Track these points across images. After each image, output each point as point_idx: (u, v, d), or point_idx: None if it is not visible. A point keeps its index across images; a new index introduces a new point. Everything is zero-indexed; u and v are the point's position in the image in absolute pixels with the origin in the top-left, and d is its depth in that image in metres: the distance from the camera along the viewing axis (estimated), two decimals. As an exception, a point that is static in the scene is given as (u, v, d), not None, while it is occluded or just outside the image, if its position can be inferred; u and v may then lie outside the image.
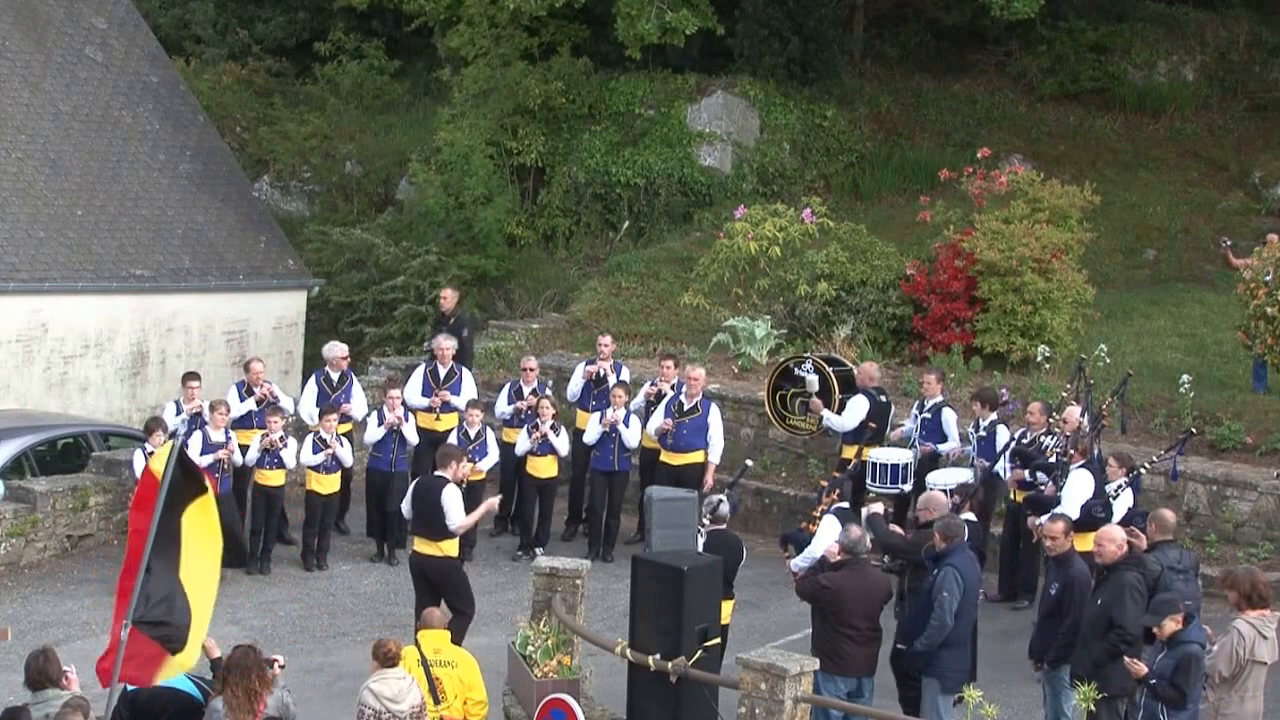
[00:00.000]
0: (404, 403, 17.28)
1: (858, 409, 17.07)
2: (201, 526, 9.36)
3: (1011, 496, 15.94)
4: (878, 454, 16.69)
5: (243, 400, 17.34)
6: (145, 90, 24.61)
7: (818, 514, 13.35)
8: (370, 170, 27.76)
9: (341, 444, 16.87)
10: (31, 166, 22.14)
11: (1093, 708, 10.74)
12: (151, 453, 8.96)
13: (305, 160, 27.77)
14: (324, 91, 29.21)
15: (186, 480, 9.30)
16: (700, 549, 12.53)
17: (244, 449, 16.71)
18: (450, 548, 13.85)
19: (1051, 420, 15.54)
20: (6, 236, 20.98)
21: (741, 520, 17.10)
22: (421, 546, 13.79)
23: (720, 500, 13.21)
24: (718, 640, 11.40)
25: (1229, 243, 22.96)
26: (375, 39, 30.13)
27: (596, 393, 17.95)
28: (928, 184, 24.78)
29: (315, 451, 16.69)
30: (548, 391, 17.85)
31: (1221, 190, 26.81)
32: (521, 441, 17.30)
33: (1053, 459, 15.09)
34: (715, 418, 17.28)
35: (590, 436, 17.40)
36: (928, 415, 16.90)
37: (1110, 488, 14.11)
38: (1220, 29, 30.13)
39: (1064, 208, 20.41)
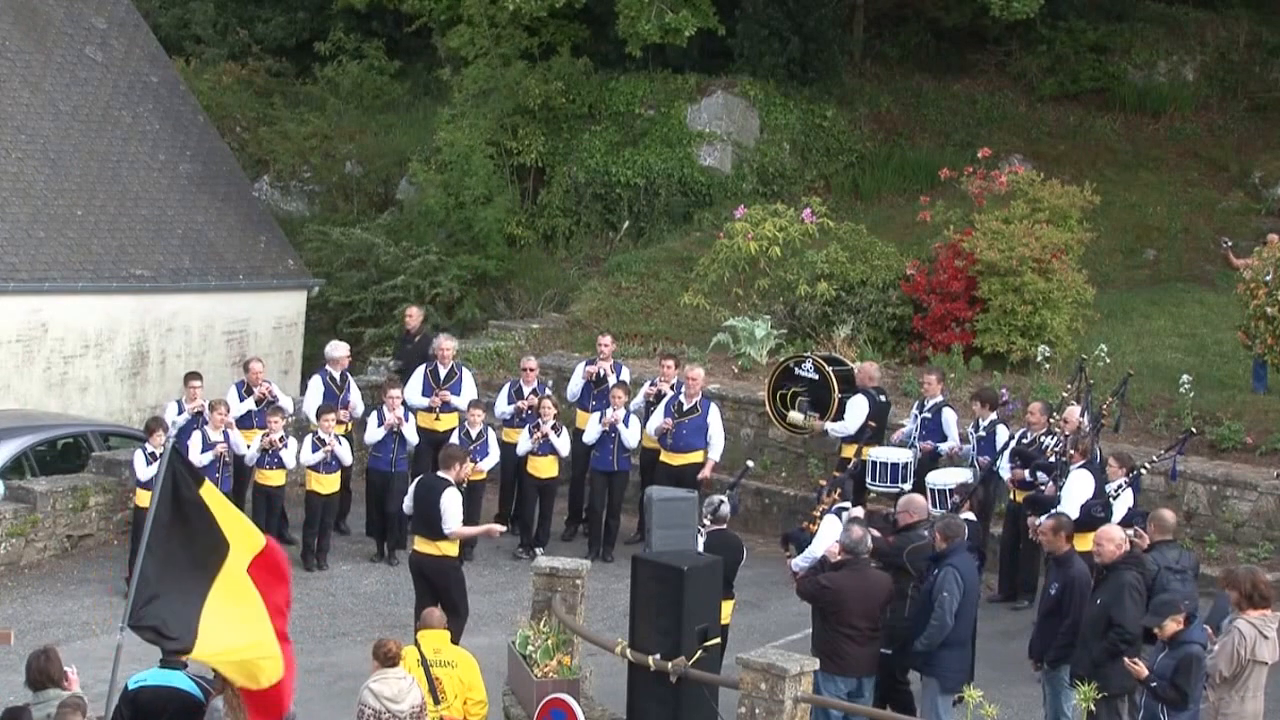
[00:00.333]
0: (404, 403, 17.29)
1: (858, 409, 17.06)
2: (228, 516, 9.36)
3: (1011, 496, 15.94)
4: (878, 453, 16.69)
5: (242, 400, 17.36)
6: (145, 90, 24.61)
7: (818, 513, 13.35)
8: (370, 170, 27.76)
9: (340, 443, 16.87)
10: (31, 166, 22.14)
11: (1092, 707, 10.74)
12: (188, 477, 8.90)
13: (305, 160, 27.76)
14: (324, 91, 29.21)
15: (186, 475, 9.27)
16: (700, 549, 12.53)
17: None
18: (450, 548, 13.84)
19: (1052, 420, 15.55)
20: (6, 236, 20.98)
21: (741, 520, 17.09)
22: (421, 546, 13.79)
23: (721, 501, 13.21)
24: (718, 640, 11.41)
25: (1230, 243, 22.95)
26: (375, 39, 30.13)
27: (596, 393, 17.95)
28: (928, 184, 24.78)
29: (314, 450, 16.69)
30: (548, 392, 17.85)
31: (1221, 190, 26.81)
32: (522, 442, 17.30)
33: (1052, 459, 15.09)
34: (715, 417, 17.28)
35: (590, 436, 17.40)
36: (928, 415, 16.90)
37: (1110, 488, 14.11)
38: (1220, 29, 30.13)
39: (1064, 208, 20.41)
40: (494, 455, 17.13)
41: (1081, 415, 15.57)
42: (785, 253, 20.70)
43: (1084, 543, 12.65)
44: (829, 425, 17.45)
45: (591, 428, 17.39)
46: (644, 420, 17.58)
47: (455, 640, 12.43)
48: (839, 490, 13.84)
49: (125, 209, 22.77)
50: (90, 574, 16.53)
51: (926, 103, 28.77)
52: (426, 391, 17.79)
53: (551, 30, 26.86)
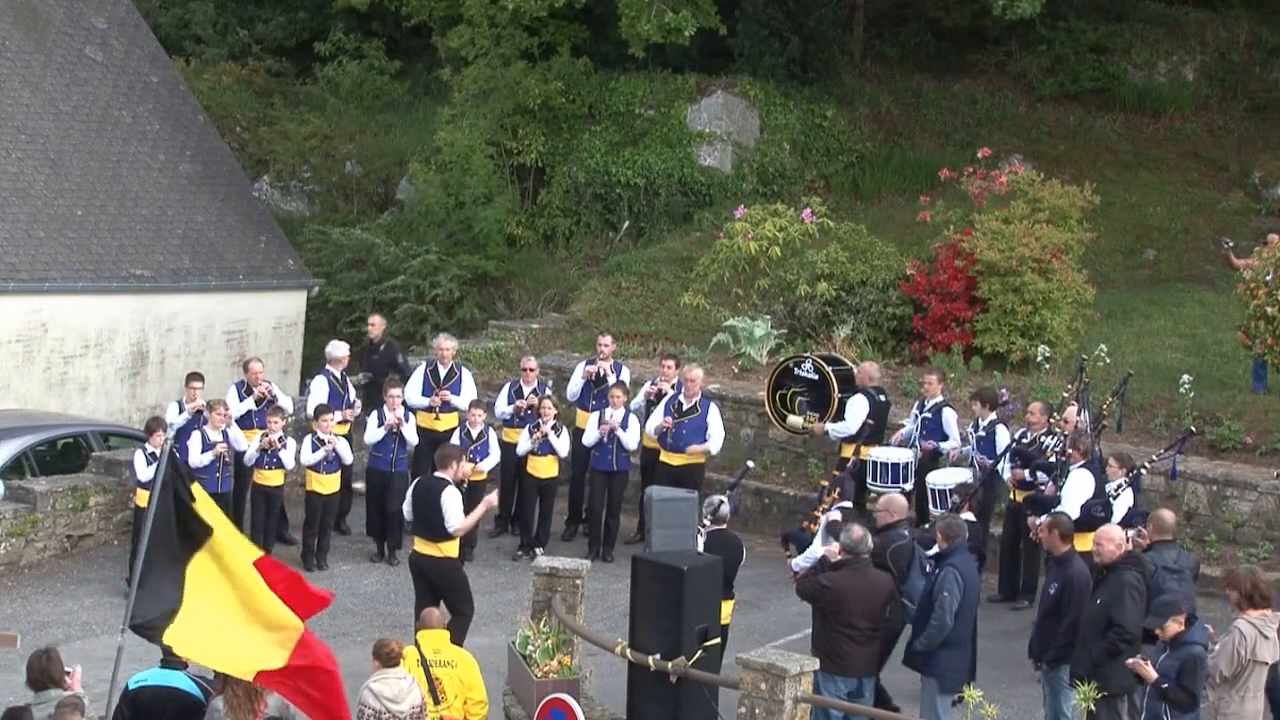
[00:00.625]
0: (404, 402, 17.29)
1: (858, 409, 17.06)
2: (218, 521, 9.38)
3: (1012, 496, 15.94)
4: (878, 453, 16.69)
5: (242, 400, 17.35)
6: (145, 90, 24.61)
7: (819, 513, 13.35)
8: (370, 170, 27.76)
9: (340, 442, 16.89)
10: (31, 166, 22.14)
11: (1092, 707, 10.74)
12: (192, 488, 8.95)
13: (305, 160, 27.76)
14: (324, 91, 29.21)
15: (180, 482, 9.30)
16: (700, 549, 12.53)
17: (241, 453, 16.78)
18: (450, 548, 13.85)
19: (1052, 420, 15.55)
20: (6, 236, 20.98)
21: (741, 520, 17.09)
22: (422, 547, 13.79)
23: (721, 501, 13.21)
24: (718, 640, 11.41)
25: (1230, 244, 22.97)
26: (375, 39, 30.13)
27: (596, 392, 17.94)
28: (928, 184, 24.78)
29: (314, 450, 16.69)
30: (548, 391, 17.85)
31: (1221, 190, 26.81)
32: (522, 442, 17.30)
33: (1052, 459, 15.09)
34: (714, 416, 17.28)
35: (589, 439, 17.40)
36: (928, 415, 16.90)
37: (1110, 487, 14.11)
38: (1220, 29, 30.13)
39: (1064, 208, 20.41)
40: (494, 455, 17.13)
41: (1080, 415, 15.57)
42: (785, 253, 20.70)
43: (1084, 543, 12.64)
44: (829, 426, 17.46)
45: (590, 431, 17.39)
46: (644, 420, 17.57)
47: (460, 640, 12.46)
48: (839, 490, 13.84)
49: (125, 209, 22.77)
50: (90, 574, 16.53)
51: (926, 103, 28.77)
52: (426, 391, 17.78)
53: (551, 30, 26.86)
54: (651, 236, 25.31)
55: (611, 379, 17.85)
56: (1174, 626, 10.71)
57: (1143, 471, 14.94)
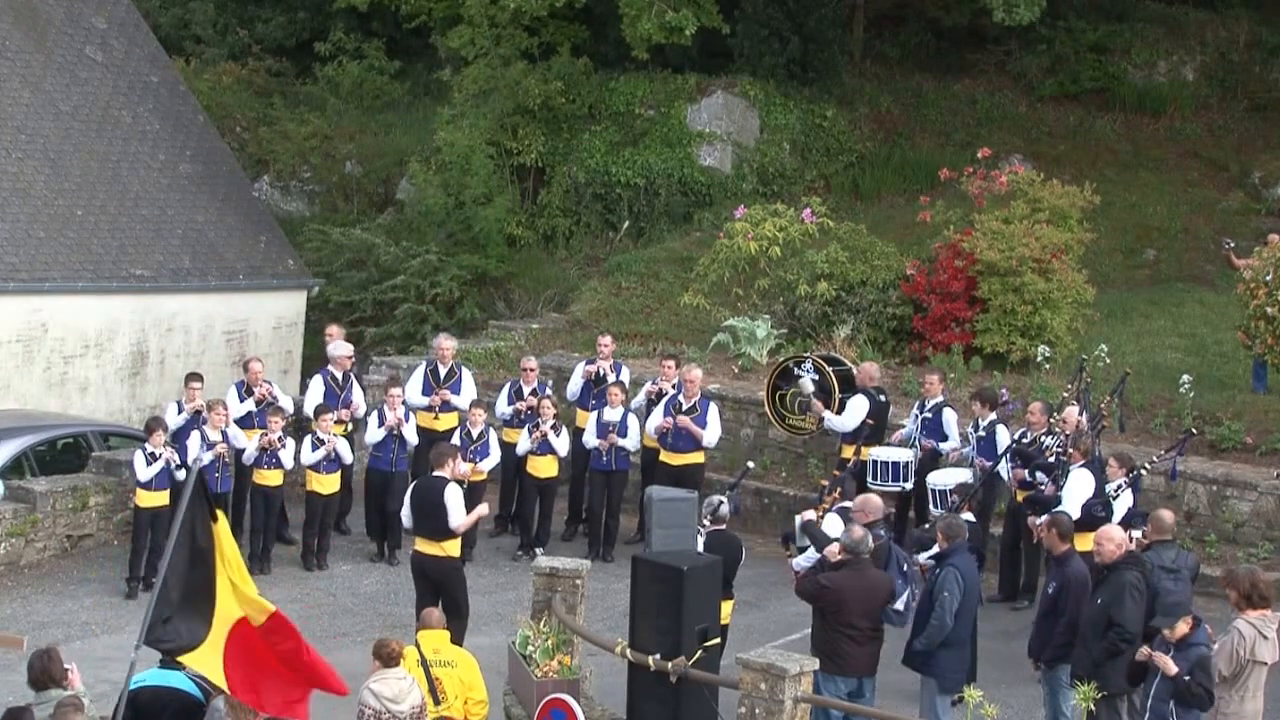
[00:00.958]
0: (404, 402, 17.28)
1: (858, 409, 17.06)
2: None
3: (1013, 496, 15.94)
4: (879, 453, 16.69)
5: (242, 400, 17.34)
6: (145, 90, 24.61)
7: (820, 513, 13.34)
8: (370, 170, 27.76)
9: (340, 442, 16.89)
10: (31, 166, 22.14)
11: (1092, 707, 10.74)
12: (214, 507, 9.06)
13: (305, 160, 27.76)
14: (324, 91, 29.21)
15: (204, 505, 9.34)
16: (700, 549, 12.53)
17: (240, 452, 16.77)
18: (452, 548, 13.84)
19: (1052, 420, 15.55)
20: (6, 236, 20.98)
21: (741, 520, 17.09)
22: (423, 546, 13.78)
23: (721, 501, 13.21)
24: (718, 640, 11.40)
25: (1231, 244, 22.96)
26: (375, 39, 30.13)
27: (596, 392, 17.95)
28: (928, 184, 24.77)
29: (314, 450, 16.69)
30: (548, 391, 17.85)
31: (1222, 190, 26.81)
32: (522, 441, 17.30)
33: (1052, 459, 15.09)
34: (714, 415, 17.27)
35: (590, 441, 17.40)
36: (929, 415, 16.90)
37: (1110, 488, 14.11)
38: (1220, 29, 30.13)
39: (1064, 208, 20.41)
40: (495, 455, 17.13)
41: (1080, 415, 15.57)
42: (785, 253, 20.71)
43: (1085, 542, 12.64)
44: (828, 416, 17.44)
45: (591, 435, 17.38)
46: (644, 419, 17.57)
47: (458, 641, 12.45)
48: (840, 490, 13.83)
49: (125, 209, 22.77)
50: (90, 574, 16.53)
51: (926, 103, 28.76)
52: (427, 391, 17.78)
53: (551, 30, 26.86)
54: (651, 236, 25.31)
55: (611, 378, 17.85)
56: (1183, 627, 10.70)
57: (1143, 472, 14.94)
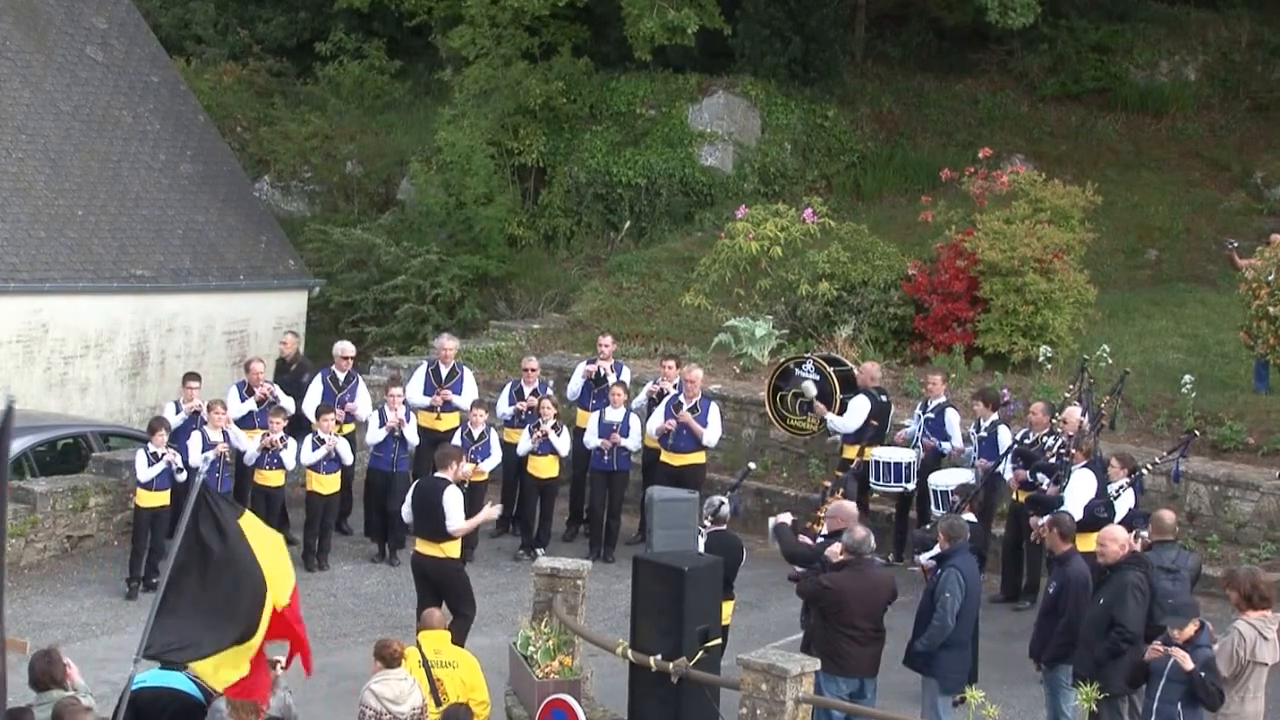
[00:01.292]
0: (405, 402, 17.26)
1: (859, 409, 17.05)
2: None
3: (1014, 497, 15.92)
4: (881, 453, 16.68)
5: (243, 400, 17.33)
6: (146, 90, 24.60)
7: (821, 514, 13.32)
8: (371, 170, 27.75)
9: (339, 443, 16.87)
10: (31, 166, 22.13)
11: (1094, 707, 10.72)
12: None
13: (306, 160, 27.75)
14: (325, 91, 29.20)
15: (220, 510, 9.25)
16: (701, 549, 12.52)
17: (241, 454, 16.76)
18: (452, 549, 13.83)
19: (1054, 421, 15.53)
20: (7, 236, 20.97)
21: (742, 521, 17.06)
22: (423, 547, 13.77)
23: (721, 501, 13.19)
24: (718, 641, 11.39)
25: (1234, 244, 22.92)
26: (376, 39, 30.12)
27: (596, 392, 17.94)
28: (929, 184, 24.75)
29: (314, 450, 16.67)
30: (549, 392, 17.84)
31: (1223, 190, 26.79)
32: (523, 442, 17.29)
33: (1054, 459, 15.07)
34: (715, 416, 17.26)
35: (592, 441, 17.38)
36: (931, 415, 16.89)
37: (1112, 488, 14.09)
38: (1222, 29, 30.10)
39: (1066, 208, 20.40)
40: (496, 456, 17.11)
41: (1082, 415, 15.55)
42: (787, 253, 20.69)
43: (1088, 543, 12.62)
44: (829, 416, 17.43)
45: (593, 435, 17.36)
46: (645, 419, 17.55)
47: (461, 641, 12.44)
48: (842, 490, 13.82)
49: (126, 209, 22.76)
50: (90, 574, 16.51)
51: (928, 103, 28.75)
52: (428, 391, 17.77)
53: (552, 30, 26.85)
54: (653, 237, 25.30)
55: (612, 378, 17.83)
56: (1191, 629, 10.68)
57: (1145, 472, 14.92)
